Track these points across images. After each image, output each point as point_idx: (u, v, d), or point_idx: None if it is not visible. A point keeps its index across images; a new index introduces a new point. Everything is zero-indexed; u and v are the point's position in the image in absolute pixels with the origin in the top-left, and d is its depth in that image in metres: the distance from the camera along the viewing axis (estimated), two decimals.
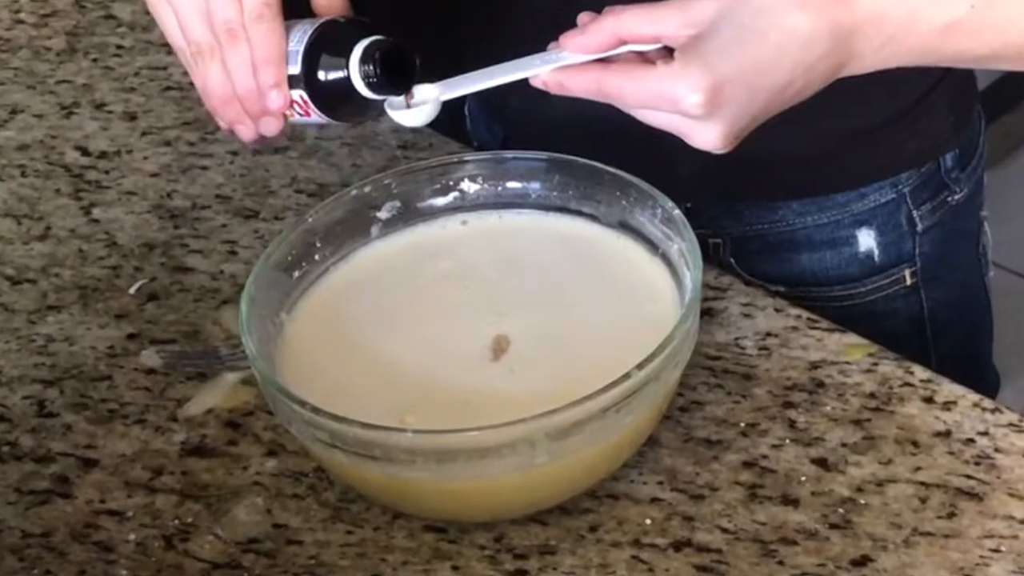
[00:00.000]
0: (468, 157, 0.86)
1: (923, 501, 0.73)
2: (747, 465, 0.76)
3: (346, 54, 0.77)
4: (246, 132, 0.82)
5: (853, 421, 0.78)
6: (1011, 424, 0.77)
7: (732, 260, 0.97)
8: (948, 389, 0.79)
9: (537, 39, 0.75)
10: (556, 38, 0.74)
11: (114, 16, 1.23)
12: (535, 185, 0.85)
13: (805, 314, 0.86)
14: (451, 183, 0.86)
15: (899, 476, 0.75)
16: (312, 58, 0.77)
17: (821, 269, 0.96)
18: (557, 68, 0.73)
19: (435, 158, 0.87)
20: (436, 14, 0.95)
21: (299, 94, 0.78)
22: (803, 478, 0.75)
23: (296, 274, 0.82)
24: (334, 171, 1.04)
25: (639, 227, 0.81)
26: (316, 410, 0.69)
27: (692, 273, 0.75)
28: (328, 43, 0.78)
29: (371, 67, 0.76)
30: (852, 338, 0.84)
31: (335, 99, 0.79)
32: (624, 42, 0.71)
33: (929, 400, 0.79)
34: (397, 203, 0.85)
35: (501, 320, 0.79)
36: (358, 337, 0.79)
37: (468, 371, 0.76)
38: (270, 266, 0.79)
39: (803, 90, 0.72)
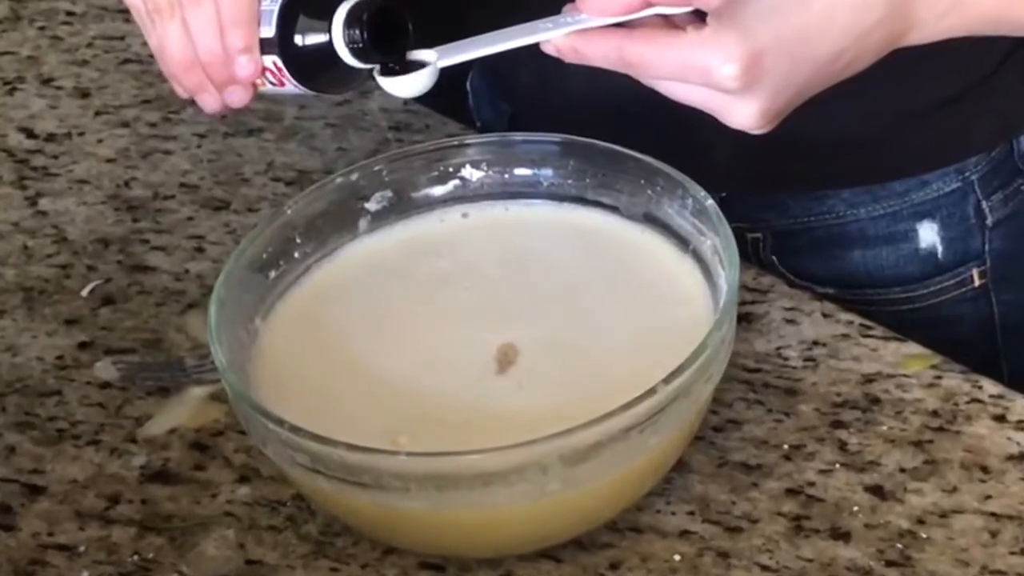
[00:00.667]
0: (470, 140, 0.86)
1: (993, 535, 0.73)
2: (791, 493, 0.76)
3: (328, 15, 0.76)
4: (210, 102, 0.81)
5: (913, 443, 0.78)
6: None
7: (774, 258, 0.97)
8: (1022, 405, 0.79)
9: (549, 1, 0.75)
10: None
11: None
12: (547, 172, 0.85)
13: (858, 320, 0.86)
14: (450, 170, 0.86)
15: (966, 506, 0.75)
16: (288, 19, 0.77)
17: (876, 268, 0.96)
18: (573, 32, 0.72)
19: (432, 141, 0.87)
20: None
21: (272, 60, 0.78)
22: (855, 508, 0.75)
23: (273, 274, 0.82)
24: (316, 156, 1.05)
25: (666, 220, 0.81)
26: (295, 429, 0.69)
27: (727, 272, 0.75)
28: (307, 2, 0.77)
29: (357, 31, 0.75)
30: (912, 347, 0.84)
31: (314, 67, 0.78)
32: (650, 4, 0.71)
33: (1000, 419, 0.79)
34: (388, 193, 0.85)
35: (507, 327, 0.79)
36: (344, 346, 0.79)
37: (470, 385, 0.76)
38: (243, 265, 0.79)
39: (854, 62, 0.71)
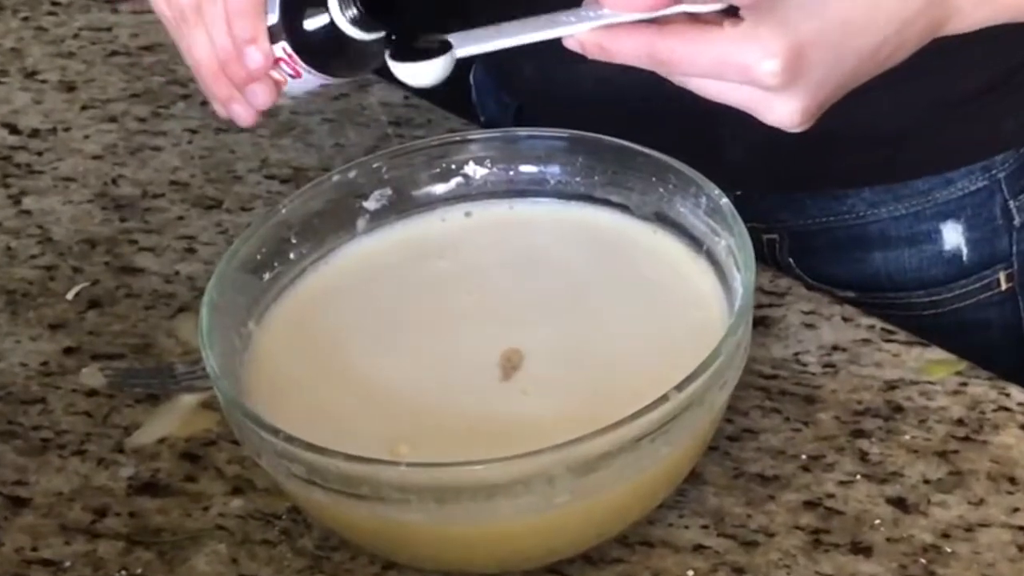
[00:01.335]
0: (473, 136, 0.86)
1: (1022, 549, 0.73)
2: (809, 506, 0.76)
3: None
4: (241, 112, 0.83)
5: (937, 453, 0.78)
6: None
7: (791, 260, 0.97)
8: None
9: None
10: None
11: None
12: (554, 169, 0.85)
13: (879, 324, 0.86)
14: (453, 167, 0.86)
15: (993, 519, 0.75)
16: (290, 2, 0.78)
17: (898, 270, 0.96)
18: (597, 28, 0.72)
19: (434, 137, 0.87)
20: None
21: (282, 47, 0.79)
22: (877, 521, 0.75)
23: (267, 276, 0.82)
24: (312, 152, 1.05)
25: (679, 219, 0.81)
26: (291, 439, 0.69)
27: (743, 275, 0.75)
28: None
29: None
30: (936, 353, 0.84)
31: (322, 48, 0.80)
32: (678, 1, 0.70)
33: None
34: (388, 191, 0.85)
35: (512, 331, 0.79)
36: (341, 351, 0.80)
37: (473, 392, 0.76)
38: (235, 266, 0.80)
39: (895, 53, 0.71)
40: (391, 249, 0.85)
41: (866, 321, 0.86)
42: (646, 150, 0.81)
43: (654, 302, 0.80)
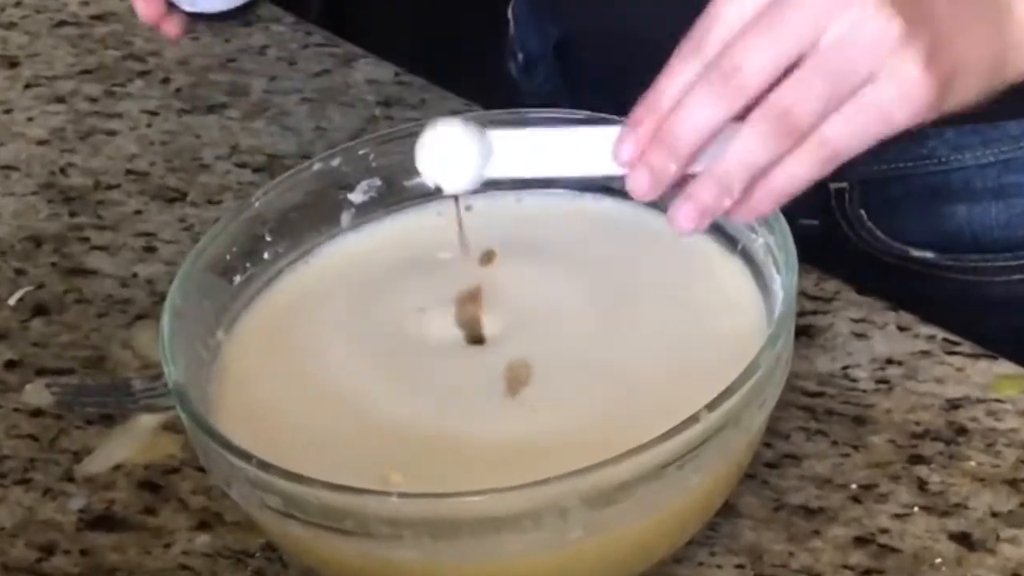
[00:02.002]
0: (474, 116, 0.86)
1: None
2: (860, 542, 0.76)
3: None
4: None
5: (1007, 481, 0.78)
6: None
7: (862, 212, 0.97)
8: None
9: None
10: None
11: None
12: None
13: (941, 334, 0.86)
14: None
15: None
16: None
17: (983, 228, 0.96)
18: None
19: (428, 119, 0.87)
20: None
21: None
22: (938, 560, 0.75)
23: (238, 279, 0.82)
24: (290, 137, 1.05)
25: None
26: (265, 466, 0.69)
27: (783, 277, 0.75)
28: None
29: None
30: (1005, 367, 0.84)
31: None
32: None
33: None
34: (376, 181, 0.85)
35: (519, 340, 0.79)
36: (323, 366, 0.80)
37: (474, 411, 0.76)
38: (201, 268, 0.80)
39: None
40: (380, 248, 0.85)
41: (925, 330, 0.86)
42: None
43: (682, 308, 0.80)
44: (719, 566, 0.76)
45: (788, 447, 0.81)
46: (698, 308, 0.80)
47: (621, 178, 0.83)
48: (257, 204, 0.83)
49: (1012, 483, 0.78)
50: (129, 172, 1.03)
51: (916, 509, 0.78)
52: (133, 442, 0.85)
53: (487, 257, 0.84)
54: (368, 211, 0.86)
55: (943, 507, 0.77)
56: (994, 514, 0.77)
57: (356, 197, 0.85)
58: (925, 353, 0.85)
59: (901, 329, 0.86)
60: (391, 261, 0.85)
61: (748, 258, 0.80)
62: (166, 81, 1.12)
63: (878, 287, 0.91)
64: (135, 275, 0.96)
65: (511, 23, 1.11)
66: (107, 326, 0.92)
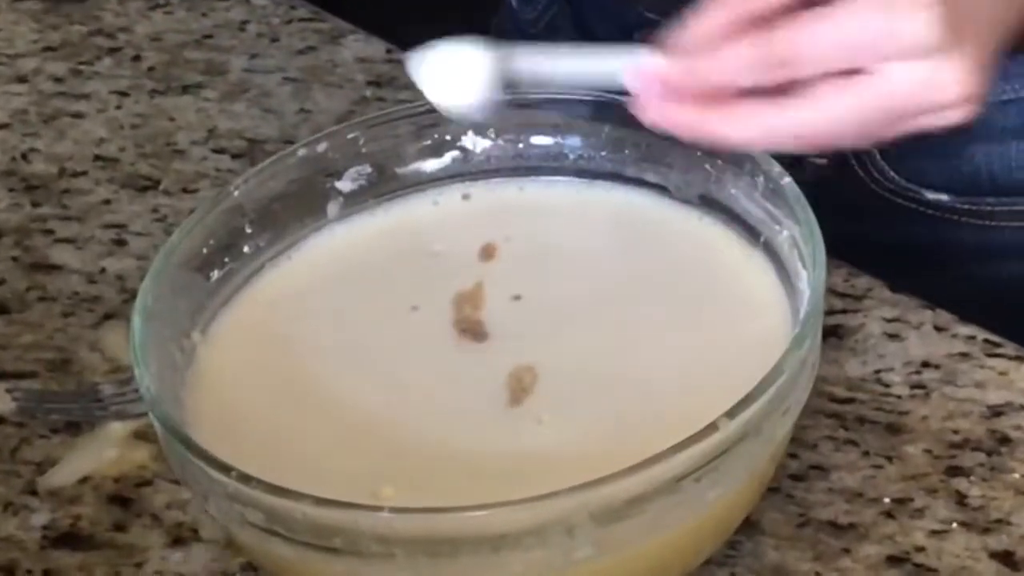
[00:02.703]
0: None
1: None
2: (894, 561, 0.77)
3: None
4: None
5: None
6: None
7: (875, 151, 0.97)
8: None
9: None
10: None
11: None
12: (574, 141, 0.85)
13: (981, 335, 0.86)
14: (448, 138, 0.86)
15: None
16: None
17: (1002, 169, 0.96)
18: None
19: (423, 100, 0.87)
20: None
21: None
22: None
23: (215, 275, 0.82)
24: (272, 120, 1.05)
25: (730, 203, 0.82)
26: (246, 478, 0.69)
27: (810, 273, 0.75)
28: None
29: None
30: None
31: None
32: None
33: None
34: (366, 168, 0.86)
35: (522, 344, 0.79)
36: (308, 369, 0.80)
37: (474, 421, 0.77)
38: (176, 263, 0.80)
39: None
40: (370, 240, 0.85)
41: (965, 331, 0.86)
42: None
43: (699, 307, 0.80)
44: None
45: (815, 458, 0.81)
46: (717, 307, 0.80)
47: (638, 165, 0.84)
48: (236, 193, 0.83)
49: None
50: (97, 158, 1.04)
51: (955, 525, 0.78)
52: (101, 452, 0.85)
53: (487, 252, 0.84)
54: (357, 200, 0.86)
55: (984, 523, 0.78)
56: None
57: (344, 185, 0.86)
58: (964, 355, 0.85)
59: (938, 329, 0.86)
60: (382, 255, 0.85)
61: (771, 252, 0.80)
62: (137, 59, 1.13)
63: (891, 236, 0.92)
64: (103, 270, 0.96)
65: None
66: (73, 326, 0.93)
